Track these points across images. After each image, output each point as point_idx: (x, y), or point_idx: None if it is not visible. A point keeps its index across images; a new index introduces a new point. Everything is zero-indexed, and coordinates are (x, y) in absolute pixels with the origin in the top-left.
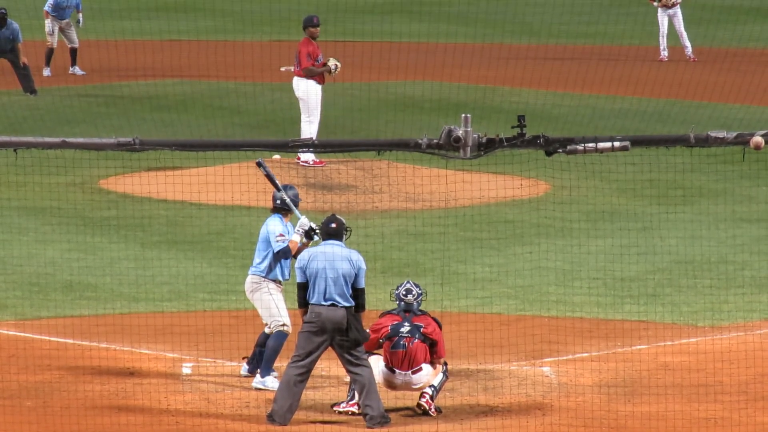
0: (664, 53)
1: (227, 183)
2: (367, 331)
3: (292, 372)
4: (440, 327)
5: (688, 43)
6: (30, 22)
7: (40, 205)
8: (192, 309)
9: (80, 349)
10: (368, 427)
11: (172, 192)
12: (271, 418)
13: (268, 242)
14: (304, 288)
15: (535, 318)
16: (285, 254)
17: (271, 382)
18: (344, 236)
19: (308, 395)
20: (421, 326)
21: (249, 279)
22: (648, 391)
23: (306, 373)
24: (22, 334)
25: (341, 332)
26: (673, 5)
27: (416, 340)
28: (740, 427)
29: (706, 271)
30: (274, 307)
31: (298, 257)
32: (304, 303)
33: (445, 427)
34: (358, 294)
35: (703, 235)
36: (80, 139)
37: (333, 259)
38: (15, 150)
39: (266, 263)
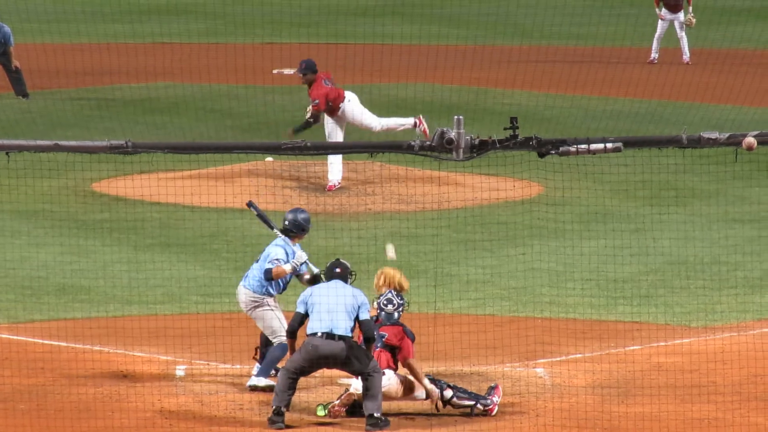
0: (655, 55)
1: (220, 185)
2: (373, 358)
3: (285, 378)
4: (412, 338)
5: (686, 49)
6: (21, 26)
7: (33, 209)
8: (185, 311)
9: (74, 352)
10: (367, 430)
11: (165, 195)
12: (271, 422)
13: (263, 264)
14: (300, 320)
15: (529, 319)
16: (267, 275)
17: (266, 382)
18: (349, 279)
19: (302, 397)
20: (384, 335)
21: (245, 293)
22: (641, 392)
23: (298, 379)
24: (15, 338)
25: (340, 363)
26: (678, 10)
27: (377, 349)
28: (734, 427)
29: (699, 272)
30: (277, 324)
31: (303, 292)
32: (293, 334)
33: (439, 429)
34: (364, 326)
35: (695, 236)
36: (73, 142)
37: (336, 290)
38: (7, 153)
39: (258, 280)
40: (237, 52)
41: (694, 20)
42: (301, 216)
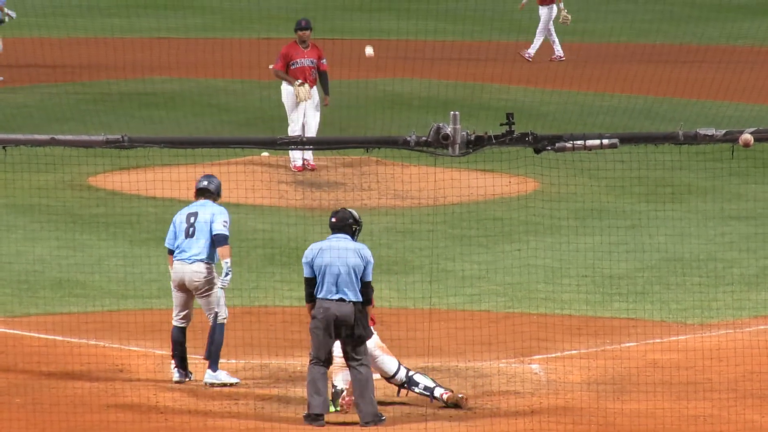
0: (531, 51)
1: None
2: (371, 327)
3: (315, 372)
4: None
5: (558, 46)
6: (18, 20)
7: (29, 203)
8: None
9: (69, 347)
10: (362, 426)
11: (161, 189)
12: (308, 417)
13: (210, 229)
14: (311, 284)
15: (524, 315)
16: (221, 241)
17: (225, 376)
18: (352, 229)
19: (297, 392)
20: None
21: (198, 267)
22: (637, 389)
23: (327, 366)
24: (11, 332)
25: (348, 327)
26: (550, 3)
27: None
28: (729, 424)
29: (695, 268)
30: (222, 302)
31: (305, 252)
32: (311, 298)
33: (434, 425)
34: (366, 287)
35: (692, 233)
36: (69, 137)
37: (346, 253)
38: (4, 147)
39: (210, 249)
40: (233, 48)
41: (568, 17)
42: (216, 182)
